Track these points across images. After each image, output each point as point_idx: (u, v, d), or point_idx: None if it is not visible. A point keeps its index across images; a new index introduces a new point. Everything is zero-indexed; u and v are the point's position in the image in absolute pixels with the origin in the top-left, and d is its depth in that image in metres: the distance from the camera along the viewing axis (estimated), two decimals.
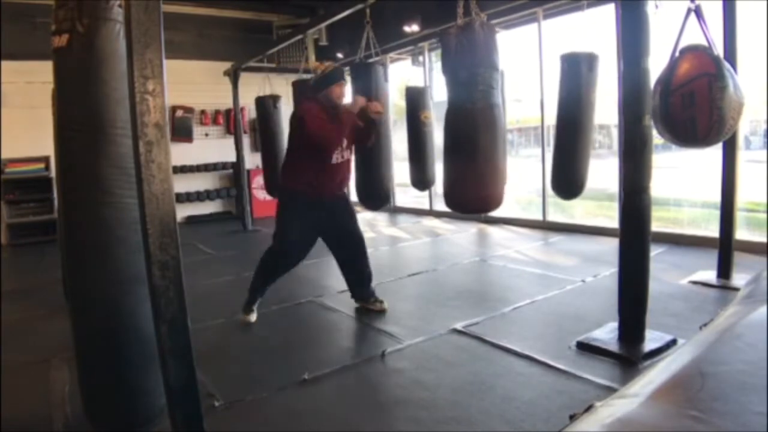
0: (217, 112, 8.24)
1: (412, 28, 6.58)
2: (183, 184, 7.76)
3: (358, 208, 8.90)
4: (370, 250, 5.48)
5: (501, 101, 3.04)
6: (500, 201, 3.10)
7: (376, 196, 3.87)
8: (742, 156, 3.56)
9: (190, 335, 1.61)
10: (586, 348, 2.57)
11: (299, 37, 5.75)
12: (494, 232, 6.07)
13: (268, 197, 7.17)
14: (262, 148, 6.52)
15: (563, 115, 3.81)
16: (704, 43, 2.65)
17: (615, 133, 5.71)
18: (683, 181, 6.19)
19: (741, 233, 4.06)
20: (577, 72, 3.68)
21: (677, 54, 2.63)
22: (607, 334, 2.66)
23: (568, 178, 3.84)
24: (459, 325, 2.98)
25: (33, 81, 6.19)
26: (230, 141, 7.64)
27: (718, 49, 2.78)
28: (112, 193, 1.83)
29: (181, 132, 7.80)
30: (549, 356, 2.50)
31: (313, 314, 3.43)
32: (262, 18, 8.31)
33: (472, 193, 2.82)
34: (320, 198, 3.06)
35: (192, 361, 1.61)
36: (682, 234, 4.76)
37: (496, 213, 6.43)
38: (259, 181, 7.69)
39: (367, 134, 3.20)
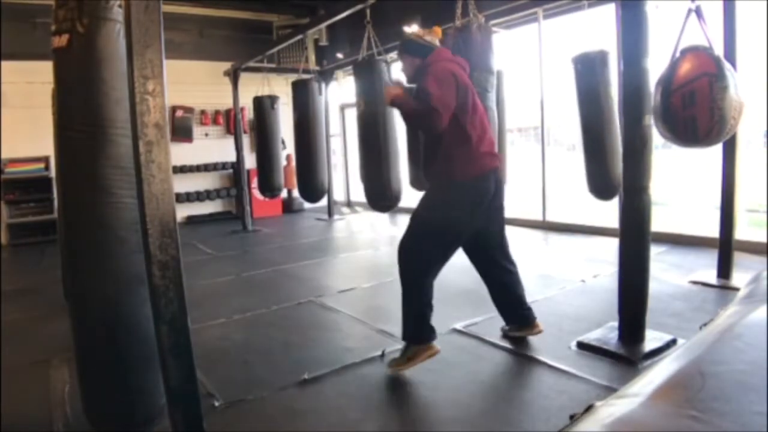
0: (217, 112, 8.24)
1: (412, 28, 6.57)
2: (183, 184, 7.76)
3: (358, 208, 8.84)
4: (369, 251, 5.53)
5: (495, 104, 3.04)
6: None
7: (385, 196, 3.85)
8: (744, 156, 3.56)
9: (190, 335, 1.61)
10: (586, 348, 2.57)
11: (299, 37, 5.76)
12: None
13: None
14: (257, 148, 6.52)
15: (586, 116, 3.82)
16: (705, 43, 2.65)
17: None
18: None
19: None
20: (591, 71, 3.71)
21: (678, 54, 2.63)
22: (607, 334, 2.66)
23: (604, 179, 3.84)
24: (459, 325, 2.98)
25: (33, 81, 6.19)
26: (230, 141, 7.65)
27: (719, 49, 2.78)
28: (112, 193, 1.83)
29: (181, 132, 7.80)
30: (549, 356, 2.50)
31: (313, 314, 3.43)
32: (262, 18, 8.32)
33: None
34: None
35: (192, 361, 1.61)
36: (682, 234, 4.76)
37: None
38: None
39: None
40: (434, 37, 2.50)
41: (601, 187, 3.92)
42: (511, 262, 2.73)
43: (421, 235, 2.37)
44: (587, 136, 3.91)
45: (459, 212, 2.34)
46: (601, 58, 3.73)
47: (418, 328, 2.41)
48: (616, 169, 3.81)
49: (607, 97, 3.75)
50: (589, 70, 3.75)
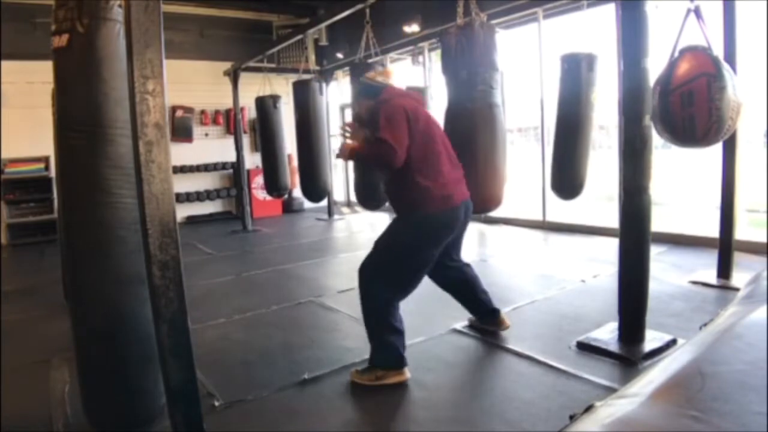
0: (217, 112, 8.24)
1: (412, 28, 6.58)
2: (183, 184, 7.76)
3: (358, 208, 8.79)
4: (368, 251, 5.48)
5: (501, 101, 3.04)
6: (500, 201, 3.11)
7: (374, 196, 3.87)
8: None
9: (190, 335, 1.61)
10: (586, 348, 2.56)
11: (299, 37, 5.76)
12: (494, 232, 6.07)
13: (268, 197, 7.19)
14: (262, 148, 6.53)
15: (563, 115, 3.82)
16: (703, 43, 2.65)
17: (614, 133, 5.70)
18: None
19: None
20: (576, 72, 3.70)
21: (676, 54, 2.63)
22: (607, 334, 2.66)
23: (567, 179, 3.85)
24: (459, 325, 2.98)
25: (33, 81, 6.19)
26: (230, 141, 7.65)
27: (718, 50, 2.78)
28: (112, 193, 1.83)
29: (181, 132, 7.80)
30: (549, 356, 2.49)
31: (313, 314, 3.43)
32: (262, 18, 8.32)
33: (472, 194, 2.82)
34: None
35: (192, 361, 1.61)
36: (682, 234, 4.76)
37: (496, 213, 6.45)
38: (259, 181, 7.70)
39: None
40: (386, 77, 2.46)
41: (564, 186, 3.92)
42: (465, 263, 2.75)
43: (385, 261, 2.33)
44: (560, 135, 3.90)
45: (426, 243, 2.30)
46: (588, 60, 3.69)
47: (385, 355, 2.32)
48: (582, 172, 3.82)
49: (587, 100, 3.72)
50: (574, 71, 3.72)
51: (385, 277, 2.31)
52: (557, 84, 3.89)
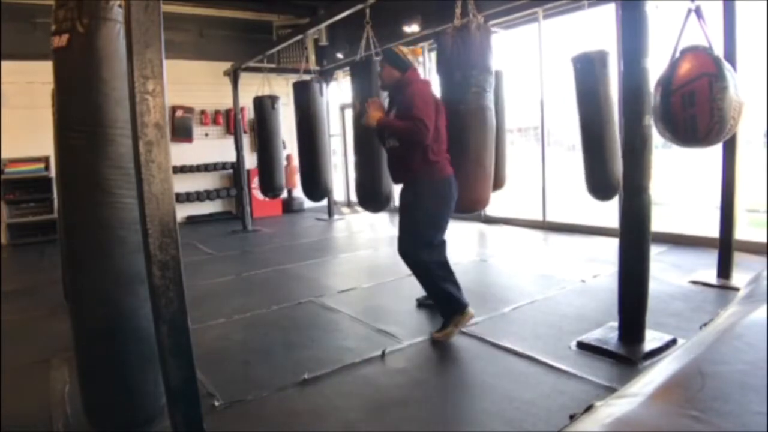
0: (217, 112, 8.24)
1: (412, 28, 6.58)
2: (183, 184, 7.76)
3: (358, 208, 8.74)
4: (369, 251, 5.54)
5: (493, 104, 3.05)
6: (487, 203, 3.13)
7: (376, 197, 3.85)
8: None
9: (190, 335, 1.61)
10: (586, 348, 2.56)
11: (299, 37, 5.76)
12: (494, 232, 6.07)
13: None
14: (258, 149, 6.52)
15: (585, 115, 3.84)
16: (704, 43, 2.65)
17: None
18: None
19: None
20: (590, 71, 3.73)
21: (678, 54, 2.63)
22: (607, 334, 2.66)
23: (602, 179, 3.87)
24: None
25: (33, 81, 6.19)
26: (230, 141, 7.65)
27: (718, 50, 2.78)
28: (112, 193, 1.83)
29: (181, 132, 7.80)
30: (549, 356, 2.50)
31: (313, 314, 3.43)
32: (262, 18, 8.32)
33: (460, 195, 2.84)
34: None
35: (192, 361, 1.61)
36: (682, 234, 4.76)
37: (496, 213, 6.45)
38: None
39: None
40: (415, 57, 2.84)
41: (599, 187, 3.94)
42: None
43: (414, 231, 2.73)
44: (586, 136, 3.93)
45: (442, 202, 2.74)
46: (600, 58, 3.74)
47: (450, 304, 2.76)
48: (615, 170, 3.82)
49: (606, 97, 3.77)
50: (588, 70, 3.76)
51: (421, 244, 2.72)
52: (573, 85, 3.90)
